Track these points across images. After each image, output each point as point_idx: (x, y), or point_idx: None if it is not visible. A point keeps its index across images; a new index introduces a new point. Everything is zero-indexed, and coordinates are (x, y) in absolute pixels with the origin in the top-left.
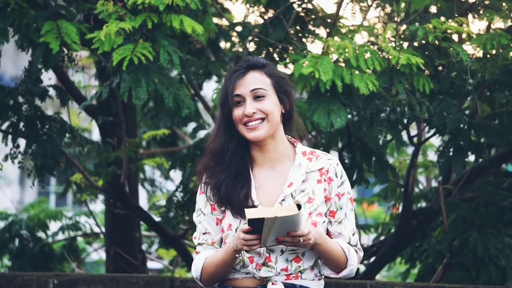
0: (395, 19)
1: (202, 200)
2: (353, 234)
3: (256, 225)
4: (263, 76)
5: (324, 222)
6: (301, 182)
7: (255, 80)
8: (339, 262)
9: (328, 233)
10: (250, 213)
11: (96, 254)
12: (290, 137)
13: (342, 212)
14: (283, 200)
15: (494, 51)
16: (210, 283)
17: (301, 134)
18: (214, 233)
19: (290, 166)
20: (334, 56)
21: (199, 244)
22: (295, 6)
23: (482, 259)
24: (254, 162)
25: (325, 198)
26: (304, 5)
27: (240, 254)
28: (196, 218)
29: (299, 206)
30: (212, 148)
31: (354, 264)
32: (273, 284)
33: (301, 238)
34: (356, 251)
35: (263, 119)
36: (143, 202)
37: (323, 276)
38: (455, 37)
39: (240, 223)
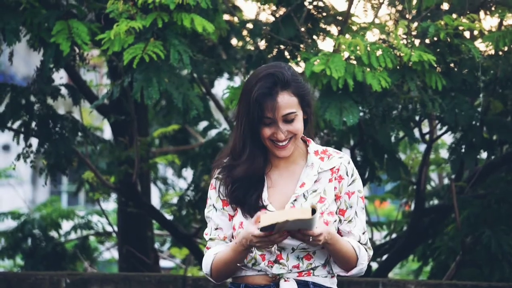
0: (407, 16)
1: (214, 196)
2: (363, 233)
3: (268, 228)
4: (291, 96)
5: (335, 221)
6: (313, 182)
7: (286, 104)
8: (349, 261)
9: (338, 231)
10: (263, 221)
11: (109, 253)
12: (303, 135)
13: (352, 210)
14: (295, 200)
15: (506, 48)
16: (221, 279)
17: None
18: (226, 229)
19: (303, 166)
20: (346, 54)
21: (210, 239)
22: (306, 3)
23: (495, 256)
24: (269, 162)
25: (335, 196)
26: (315, 3)
27: (252, 251)
28: (207, 213)
29: (313, 211)
30: (233, 146)
31: (364, 263)
32: (285, 281)
33: (310, 238)
34: (366, 249)
35: (291, 138)
36: (156, 200)
37: (336, 274)
38: (467, 34)
39: None
